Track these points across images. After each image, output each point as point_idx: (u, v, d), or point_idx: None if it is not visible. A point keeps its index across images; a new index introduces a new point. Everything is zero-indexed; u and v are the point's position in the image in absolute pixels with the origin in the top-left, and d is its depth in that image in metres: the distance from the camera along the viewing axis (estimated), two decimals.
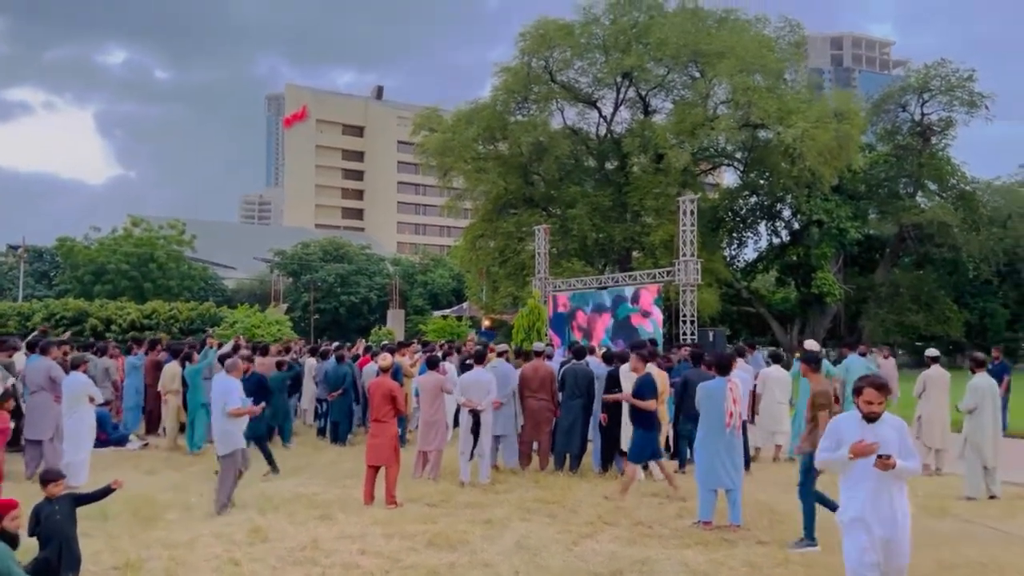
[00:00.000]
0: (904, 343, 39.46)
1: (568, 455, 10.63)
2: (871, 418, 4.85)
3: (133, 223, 48.42)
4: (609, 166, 36.29)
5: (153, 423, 13.68)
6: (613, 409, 10.12)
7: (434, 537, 7.14)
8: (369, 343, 20.36)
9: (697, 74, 32.39)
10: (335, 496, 8.99)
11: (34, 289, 48.53)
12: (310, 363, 14.59)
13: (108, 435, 12.26)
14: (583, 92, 34.64)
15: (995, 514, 8.31)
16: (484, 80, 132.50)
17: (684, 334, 19.55)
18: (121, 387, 13.60)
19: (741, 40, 30.35)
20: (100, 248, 45.73)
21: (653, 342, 13.95)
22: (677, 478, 9.32)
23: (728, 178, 46.31)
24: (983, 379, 8.99)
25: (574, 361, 11.13)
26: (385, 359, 8.94)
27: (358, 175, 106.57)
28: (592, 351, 12.22)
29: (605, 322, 20.81)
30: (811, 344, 11.89)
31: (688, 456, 10.94)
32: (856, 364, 12.31)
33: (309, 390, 14.93)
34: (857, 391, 4.92)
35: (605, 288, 22.31)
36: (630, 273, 24.51)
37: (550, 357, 11.68)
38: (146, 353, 14.16)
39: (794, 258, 37.01)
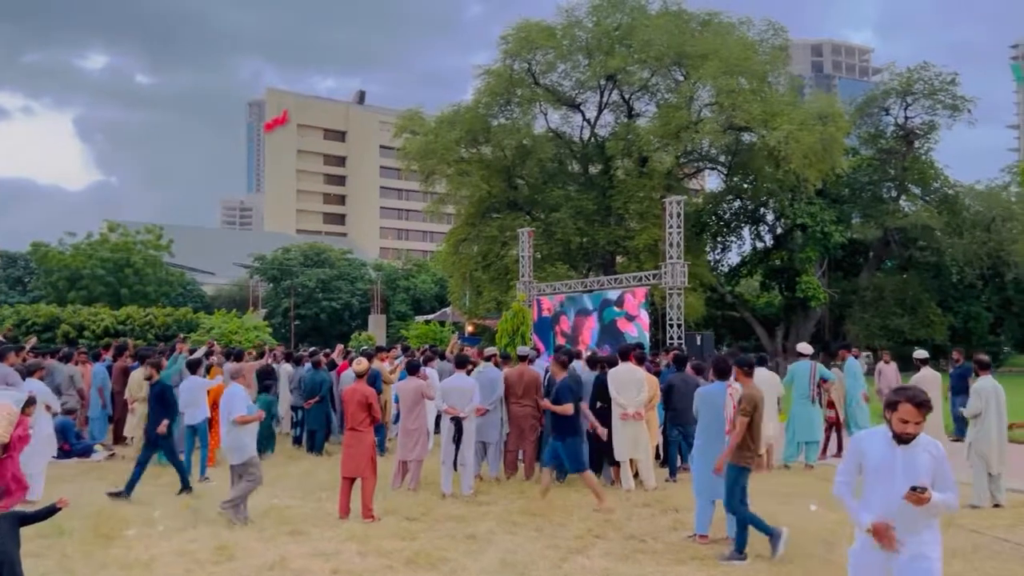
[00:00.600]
0: (888, 347, 39.30)
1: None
2: (904, 439, 4.07)
3: (110, 228, 47.44)
4: (593, 170, 36.02)
5: (121, 432, 13.10)
6: (600, 416, 9.69)
7: (413, 555, 6.67)
8: (348, 348, 19.83)
9: (681, 77, 32.19)
10: (309, 510, 8.50)
11: (7, 295, 47.49)
12: (286, 369, 14.06)
13: (72, 445, 11.69)
14: (566, 95, 34.35)
15: (1004, 524, 7.94)
16: (467, 86, 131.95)
17: (671, 338, 19.17)
18: (87, 395, 13.02)
19: (725, 42, 30.18)
20: (75, 254, 44.77)
21: (640, 346, 13.53)
22: (667, 487, 8.90)
23: (712, 182, 46.23)
24: (987, 382, 8.64)
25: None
26: (360, 363, 8.45)
27: (340, 180, 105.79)
28: (579, 355, 11.80)
29: (591, 326, 20.41)
30: (803, 347, 11.52)
31: (679, 464, 10.56)
32: (855, 368, 11.96)
33: (284, 397, 14.38)
34: (891, 406, 4.10)
35: (590, 292, 21.91)
36: (616, 276, 24.12)
37: (531, 361, 11.22)
38: (114, 359, 13.59)
39: (778, 262, 36.87)
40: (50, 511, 5.54)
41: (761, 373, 11.08)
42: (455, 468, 9.42)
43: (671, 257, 19.37)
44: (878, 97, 36.40)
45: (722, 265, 40.08)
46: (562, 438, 8.53)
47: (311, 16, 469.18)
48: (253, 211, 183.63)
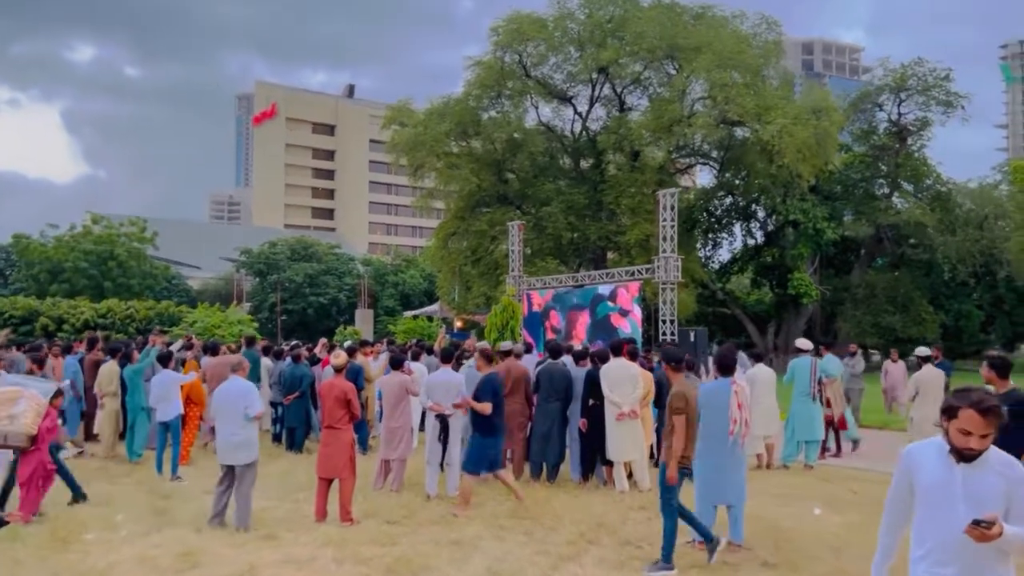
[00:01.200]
0: (880, 344, 39.13)
1: (545, 464, 9.75)
2: (966, 456, 3.12)
3: (93, 220, 46.74)
4: (584, 164, 35.59)
5: (91, 429, 12.58)
6: (594, 414, 9.25)
7: (394, 562, 6.21)
8: (333, 343, 19.32)
9: (673, 71, 31.80)
10: (284, 512, 8.02)
11: None
12: (265, 363, 13.54)
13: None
14: (558, 88, 33.91)
15: None
16: (458, 82, 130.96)
17: (664, 334, 18.75)
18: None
19: (719, 35, 29.80)
20: (57, 246, 44.05)
21: (632, 341, 13.10)
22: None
23: (703, 178, 45.93)
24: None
25: (550, 361, 10.25)
26: (338, 356, 7.97)
27: (329, 174, 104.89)
28: (569, 350, 11.35)
29: (584, 322, 19.98)
30: (803, 343, 11.10)
31: None
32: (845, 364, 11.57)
33: (265, 392, 13.85)
34: (948, 412, 3.17)
35: (582, 286, 21.48)
36: (608, 271, 23.69)
37: (518, 356, 10.72)
38: (87, 351, 13.04)
39: (769, 259, 36.56)
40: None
41: (759, 370, 10.73)
42: (441, 468, 8.95)
43: (664, 251, 18.94)
44: (872, 93, 36.09)
45: (713, 262, 39.80)
46: (477, 433, 8.09)
47: (302, 9, 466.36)
48: (241, 206, 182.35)
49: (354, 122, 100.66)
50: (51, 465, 7.80)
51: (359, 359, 12.41)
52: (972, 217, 35.79)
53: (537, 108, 34.80)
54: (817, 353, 11.30)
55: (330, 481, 7.67)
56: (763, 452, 10.60)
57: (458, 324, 34.42)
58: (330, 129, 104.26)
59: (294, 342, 15.94)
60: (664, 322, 19.05)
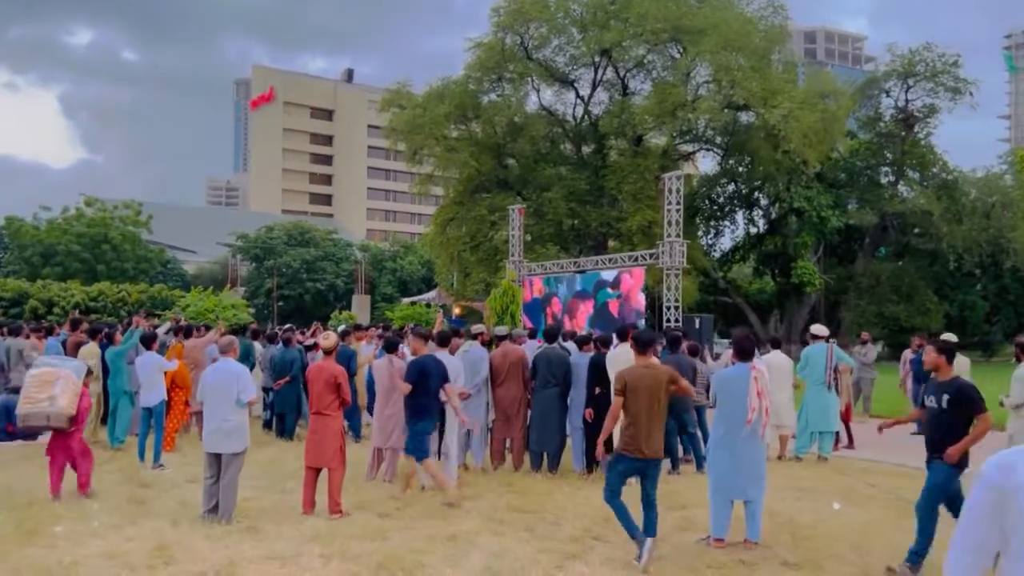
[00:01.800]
0: (884, 335, 38.72)
1: (545, 453, 9.28)
2: None
3: (86, 203, 46.14)
4: (586, 149, 35.06)
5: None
6: (600, 402, 8.76)
7: (384, 559, 5.72)
8: (328, 327, 18.80)
9: (677, 54, 31.22)
10: (269, 503, 7.53)
11: None
12: (257, 348, 13.04)
13: (15, 426, 10.64)
14: (559, 71, 33.31)
15: None
16: (458, 68, 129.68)
17: (668, 320, 18.26)
18: None
19: (724, 18, 29.22)
20: (50, 229, 43.48)
21: (635, 327, 12.64)
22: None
23: (705, 165, 45.31)
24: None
25: (546, 345, 9.76)
26: (328, 338, 7.46)
27: (327, 160, 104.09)
28: (573, 335, 10.86)
29: (588, 308, 19.48)
30: (819, 329, 10.58)
31: (681, 455, 9.69)
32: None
33: (256, 377, 13.35)
34: None
35: (583, 272, 20.97)
36: (611, 256, 23.16)
37: (513, 340, 10.20)
38: (70, 332, 12.54)
39: (772, 248, 36.06)
40: None
41: (775, 356, 10.25)
42: (437, 458, 8.47)
43: (669, 235, 18.42)
44: (879, 79, 35.51)
45: (714, 250, 39.27)
46: (411, 420, 7.72)
47: None
48: (239, 191, 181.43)
49: (352, 107, 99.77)
50: (87, 446, 7.96)
51: (352, 344, 11.92)
52: (979, 206, 35.26)
53: (538, 91, 34.25)
54: (825, 341, 10.81)
55: (318, 471, 7.19)
56: (787, 435, 10.19)
57: (456, 311, 33.95)
58: (328, 114, 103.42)
59: (287, 326, 15.42)
60: (668, 309, 18.55)
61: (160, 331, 12.33)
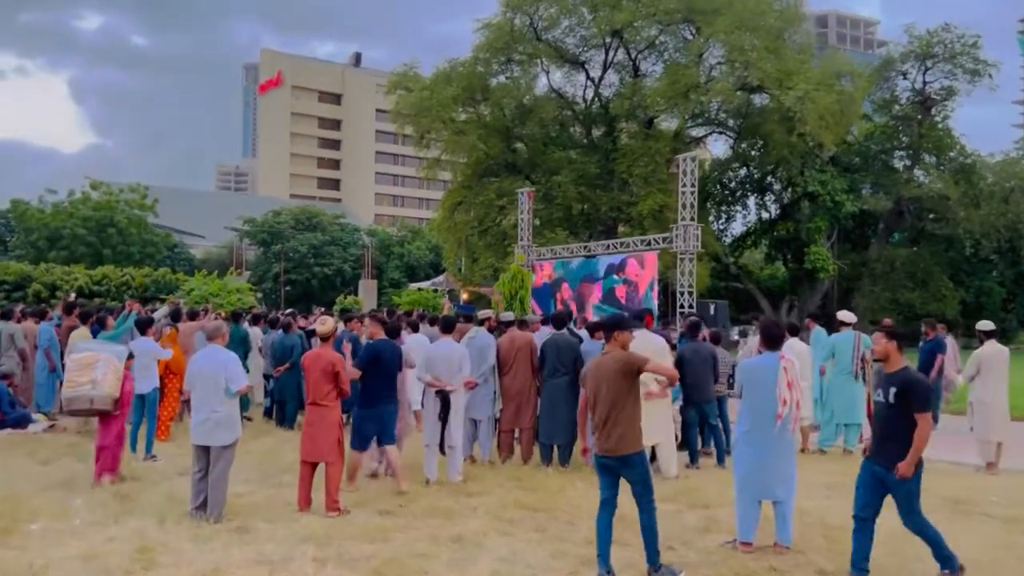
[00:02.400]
0: (898, 321, 38.13)
1: (555, 445, 8.82)
2: None
3: (92, 186, 45.72)
4: (596, 132, 34.41)
5: None
6: None
7: (382, 564, 5.29)
8: (331, 314, 18.38)
9: (690, 35, 30.51)
10: (263, 498, 7.11)
11: None
12: (256, 333, 12.60)
13: (5, 414, 10.28)
14: (570, 53, 32.63)
15: None
16: (467, 52, 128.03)
17: (682, 306, 17.74)
18: (30, 356, 11.56)
19: None
20: (55, 212, 43.10)
21: (649, 312, 12.15)
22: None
23: (717, 148, 44.62)
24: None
25: (555, 331, 9.27)
26: (325, 323, 6.99)
27: (335, 144, 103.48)
28: (584, 321, 10.39)
29: (598, 293, 18.99)
30: (846, 315, 10.08)
31: (698, 447, 9.23)
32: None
33: (257, 363, 12.93)
34: None
35: (594, 256, 20.45)
36: (622, 240, 22.61)
37: (527, 326, 9.73)
38: (64, 316, 12.12)
39: (784, 233, 35.40)
40: None
41: (794, 343, 9.73)
42: (441, 451, 8.01)
43: (684, 219, 17.87)
44: (896, 60, 34.68)
45: (726, 235, 38.67)
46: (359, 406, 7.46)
47: None
48: (248, 176, 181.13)
49: (361, 91, 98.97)
50: (124, 431, 7.82)
51: (354, 328, 11.45)
52: (997, 191, 34.53)
53: (548, 73, 33.60)
54: (835, 330, 10.30)
55: (315, 465, 6.75)
56: (807, 426, 9.72)
57: (464, 296, 33.51)
58: (336, 98, 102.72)
59: (289, 310, 14.98)
60: (682, 294, 18.03)
61: (158, 315, 11.89)
